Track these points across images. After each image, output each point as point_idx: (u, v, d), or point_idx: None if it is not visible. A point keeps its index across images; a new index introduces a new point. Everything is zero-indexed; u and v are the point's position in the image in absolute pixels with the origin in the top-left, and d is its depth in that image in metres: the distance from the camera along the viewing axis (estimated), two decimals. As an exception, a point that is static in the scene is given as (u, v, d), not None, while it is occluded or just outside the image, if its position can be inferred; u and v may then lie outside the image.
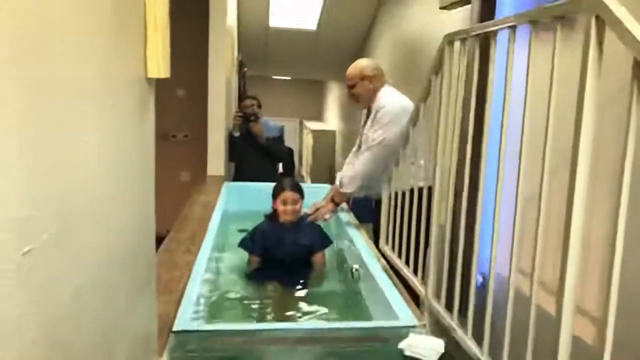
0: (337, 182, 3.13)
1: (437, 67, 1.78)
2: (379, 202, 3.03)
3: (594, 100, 0.98)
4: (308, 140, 10.30)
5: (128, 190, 1.14)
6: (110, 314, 1.01)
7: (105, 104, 0.97)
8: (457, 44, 1.67)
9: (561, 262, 1.01)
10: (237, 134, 4.60)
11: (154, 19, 1.24)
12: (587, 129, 0.98)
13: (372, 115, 2.99)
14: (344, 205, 3.35)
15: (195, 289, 2.07)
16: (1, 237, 0.59)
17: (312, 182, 9.31)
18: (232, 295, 2.47)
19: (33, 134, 0.68)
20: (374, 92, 3.04)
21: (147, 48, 1.23)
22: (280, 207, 2.79)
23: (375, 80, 3.05)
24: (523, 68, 1.30)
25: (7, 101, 0.61)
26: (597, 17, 0.95)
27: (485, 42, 1.52)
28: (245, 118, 4.51)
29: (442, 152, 1.73)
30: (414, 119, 2.10)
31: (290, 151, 5.17)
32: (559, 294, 1.00)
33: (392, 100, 2.94)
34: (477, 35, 1.50)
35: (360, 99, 3.13)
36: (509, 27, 1.27)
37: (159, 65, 1.27)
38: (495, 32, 1.37)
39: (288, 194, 2.78)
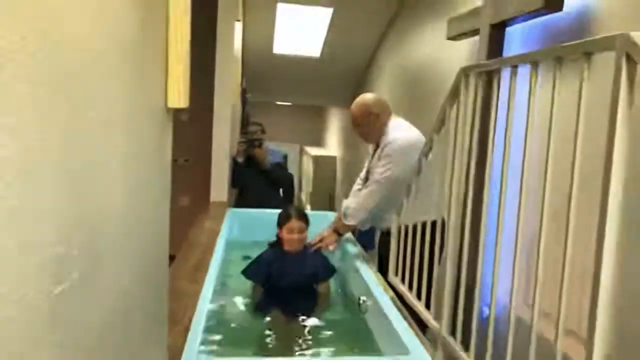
0: (342, 212, 3.10)
1: (453, 99, 1.78)
2: (385, 233, 3.01)
3: (625, 139, 0.97)
4: (308, 166, 10.32)
5: (147, 220, 1.13)
6: (128, 349, 0.98)
7: (130, 136, 0.96)
8: (472, 77, 1.68)
9: (590, 311, 0.99)
10: (240, 159, 4.61)
11: (175, 50, 1.24)
12: (618, 170, 0.97)
13: (379, 149, 2.97)
14: (350, 234, 3.32)
15: (202, 320, 2.03)
16: (37, 278, 0.57)
17: (312, 207, 9.28)
18: (237, 326, 2.43)
19: (66, 169, 0.66)
20: (380, 128, 3.02)
21: (168, 78, 1.23)
22: (286, 236, 2.76)
23: (381, 116, 3.02)
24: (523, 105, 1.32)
25: (47, 136, 0.60)
26: (628, 56, 0.95)
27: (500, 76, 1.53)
28: (249, 143, 4.52)
29: (458, 182, 1.72)
30: (427, 150, 2.09)
31: (290, 177, 5.17)
32: (589, 342, 0.98)
33: (400, 135, 2.91)
34: (496, 69, 1.51)
35: (368, 137, 3.11)
36: (531, 62, 1.27)
37: (179, 95, 1.26)
38: (516, 67, 1.38)
39: (295, 223, 2.75)
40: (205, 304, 2.19)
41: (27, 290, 0.56)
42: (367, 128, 3.06)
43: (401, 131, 2.95)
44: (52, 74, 0.62)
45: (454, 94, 1.78)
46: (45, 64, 0.60)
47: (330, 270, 2.82)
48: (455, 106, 1.78)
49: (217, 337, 2.20)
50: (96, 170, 0.78)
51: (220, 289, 2.65)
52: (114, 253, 0.86)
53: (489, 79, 1.57)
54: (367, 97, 3.14)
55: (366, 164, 3.23)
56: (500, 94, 1.55)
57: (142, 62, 1.05)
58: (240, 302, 2.70)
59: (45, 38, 0.60)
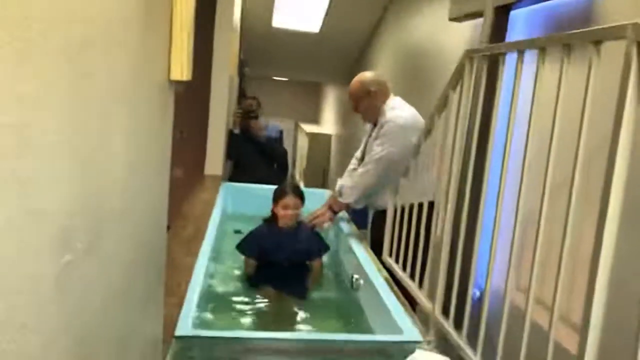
0: (337, 190, 3.10)
1: (456, 81, 1.77)
2: (379, 212, 3.02)
3: (631, 128, 0.97)
4: (303, 143, 10.28)
5: (148, 192, 1.12)
6: (128, 319, 0.99)
7: (134, 109, 0.95)
8: (477, 60, 1.67)
9: (585, 298, 1.00)
10: (236, 130, 4.59)
11: (180, 22, 1.22)
12: (622, 159, 0.97)
13: (377, 128, 2.96)
14: (344, 213, 3.33)
15: (196, 292, 2.04)
16: (45, 247, 0.56)
17: (305, 184, 9.28)
18: (230, 299, 2.45)
19: (73, 140, 0.66)
20: (378, 107, 3.00)
21: (171, 50, 1.21)
22: (281, 212, 2.76)
23: (379, 94, 3.01)
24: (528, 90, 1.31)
25: (55, 107, 0.59)
26: (639, 46, 0.95)
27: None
28: (245, 114, 4.50)
29: (458, 164, 1.72)
30: (427, 131, 2.09)
31: (285, 152, 5.14)
32: (583, 330, 0.99)
33: (397, 115, 2.90)
34: (501, 53, 1.50)
35: (365, 115, 3.10)
36: (539, 48, 1.26)
37: (183, 68, 1.25)
38: (522, 52, 1.37)
39: (290, 199, 2.75)
40: (199, 277, 2.20)
41: (34, 259, 0.56)
42: (364, 106, 3.05)
43: (399, 111, 2.94)
44: (61, 46, 0.61)
45: (458, 76, 1.77)
46: (54, 36, 0.59)
47: (323, 247, 2.83)
48: (458, 88, 1.78)
49: (211, 310, 2.22)
50: (100, 142, 0.77)
51: (214, 262, 2.66)
52: (117, 224, 0.86)
53: (494, 62, 1.56)
54: (365, 75, 3.12)
55: (363, 143, 3.22)
56: (504, 78, 1.54)
57: (146, 33, 1.03)
58: (233, 275, 2.72)
59: (51, 11, 0.58)
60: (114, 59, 0.82)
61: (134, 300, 1.03)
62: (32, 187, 0.54)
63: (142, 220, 1.09)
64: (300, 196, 2.80)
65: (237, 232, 3.23)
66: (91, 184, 0.72)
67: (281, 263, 2.69)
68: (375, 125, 3.03)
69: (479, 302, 1.62)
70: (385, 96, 3.02)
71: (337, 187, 3.12)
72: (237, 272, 2.74)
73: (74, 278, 0.66)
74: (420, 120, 2.89)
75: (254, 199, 3.37)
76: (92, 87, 0.72)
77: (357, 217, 3.41)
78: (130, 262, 0.97)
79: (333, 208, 3.06)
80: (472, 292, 1.71)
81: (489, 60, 1.64)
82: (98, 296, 0.76)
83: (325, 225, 3.06)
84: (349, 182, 3.05)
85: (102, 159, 0.78)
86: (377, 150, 2.87)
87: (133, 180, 0.97)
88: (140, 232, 1.06)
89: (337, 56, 7.27)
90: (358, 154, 3.27)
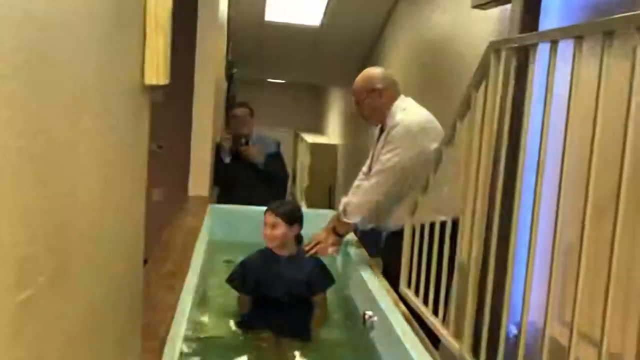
0: (340, 209, 3.07)
1: (480, 79, 1.79)
2: (392, 234, 3.00)
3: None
4: (305, 155, 10.31)
5: (121, 216, 1.13)
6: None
7: (101, 118, 0.97)
8: (504, 53, 1.68)
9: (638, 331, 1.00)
10: (227, 159, 4.54)
11: (154, 21, 1.24)
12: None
13: (385, 133, 2.96)
14: (352, 236, 3.32)
15: (179, 334, 2.04)
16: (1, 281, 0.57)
17: (308, 204, 9.28)
18: (221, 344, 2.45)
19: (31, 156, 0.67)
20: (385, 107, 3.01)
21: (145, 50, 1.23)
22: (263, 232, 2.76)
23: (386, 93, 3.02)
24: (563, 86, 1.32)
25: (7, 120, 0.60)
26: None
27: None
28: (235, 141, 4.46)
29: (485, 177, 1.73)
30: (449, 138, 2.10)
31: (285, 177, 4.94)
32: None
33: (408, 117, 2.91)
34: (532, 44, 1.51)
35: (368, 115, 3.11)
36: (575, 37, 1.28)
37: (159, 71, 1.27)
38: (556, 42, 1.38)
39: (267, 217, 2.74)
40: (183, 316, 2.20)
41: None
42: (369, 105, 3.05)
43: (409, 112, 2.94)
44: (13, 48, 0.62)
45: (482, 73, 1.78)
46: (7, 37, 0.61)
47: (327, 280, 2.80)
48: (483, 88, 1.79)
49: (197, 355, 2.21)
50: (63, 158, 0.78)
51: (200, 299, 2.66)
52: (85, 254, 0.87)
53: (524, 55, 1.58)
54: (372, 70, 3.14)
55: (370, 153, 3.21)
56: (536, 74, 1.56)
57: (116, 31, 1.05)
58: (224, 316, 2.71)
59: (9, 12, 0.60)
60: (77, 62, 0.84)
61: (104, 343, 1.03)
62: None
63: (115, 248, 1.10)
64: (279, 214, 2.73)
65: (228, 262, 3.23)
66: (54, 207, 0.73)
67: (279, 299, 2.68)
68: (382, 130, 3.03)
69: (515, 339, 1.61)
70: (393, 96, 3.02)
71: (340, 206, 3.09)
72: (228, 311, 2.73)
73: (36, 316, 0.67)
74: (434, 124, 2.90)
75: (247, 224, 3.37)
76: (53, 95, 0.74)
77: (367, 240, 3.39)
78: (100, 298, 0.98)
79: (337, 231, 3.05)
80: (507, 327, 1.70)
81: (518, 52, 1.66)
82: (62, 336, 0.77)
83: (330, 250, 3.03)
84: (354, 198, 3.03)
85: (66, 177, 0.79)
86: (386, 158, 2.86)
87: (103, 202, 0.99)
88: (112, 263, 1.07)
89: (342, 54, 7.32)
90: (365, 168, 3.25)
